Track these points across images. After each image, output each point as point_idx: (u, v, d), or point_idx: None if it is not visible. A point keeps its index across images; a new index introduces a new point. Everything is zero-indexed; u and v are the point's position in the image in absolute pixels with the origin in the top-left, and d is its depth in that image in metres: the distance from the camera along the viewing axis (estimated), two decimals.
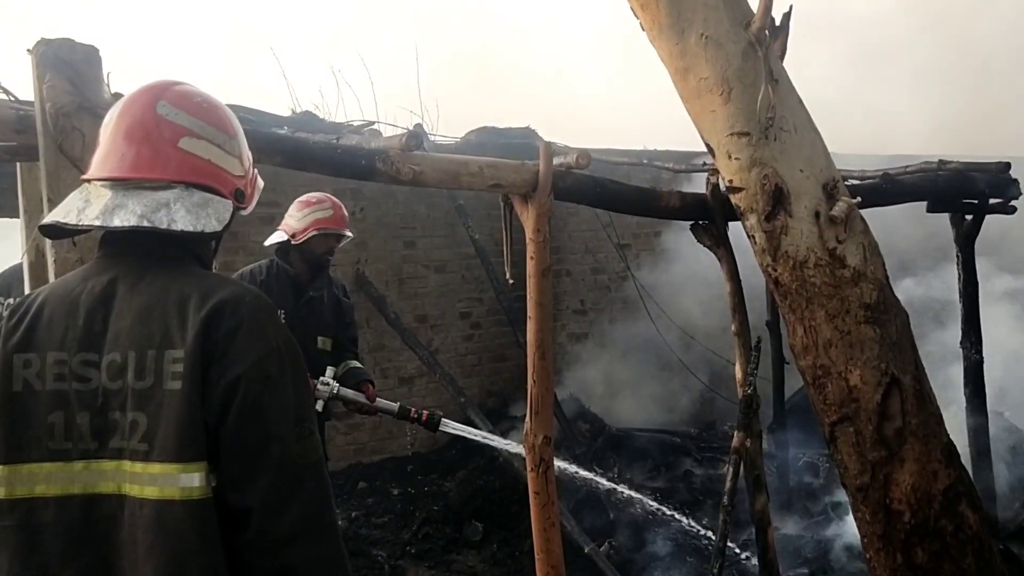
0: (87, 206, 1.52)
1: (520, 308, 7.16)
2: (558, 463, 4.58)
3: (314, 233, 3.89)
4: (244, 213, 1.69)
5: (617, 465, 6.07)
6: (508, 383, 7.23)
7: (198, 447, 1.42)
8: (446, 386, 6.62)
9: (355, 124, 6.52)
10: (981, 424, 4.56)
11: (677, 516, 5.09)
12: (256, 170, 1.75)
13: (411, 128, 6.60)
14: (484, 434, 4.68)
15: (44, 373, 1.48)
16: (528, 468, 2.84)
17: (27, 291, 2.25)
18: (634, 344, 7.70)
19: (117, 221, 1.49)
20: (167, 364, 1.44)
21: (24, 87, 2.47)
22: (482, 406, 6.79)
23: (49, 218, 1.55)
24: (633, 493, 5.31)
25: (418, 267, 7.12)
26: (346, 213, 4.07)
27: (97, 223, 1.50)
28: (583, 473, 5.23)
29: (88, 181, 1.57)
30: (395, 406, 4.00)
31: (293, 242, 3.91)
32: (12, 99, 2.45)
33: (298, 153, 2.48)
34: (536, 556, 2.86)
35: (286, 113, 6.59)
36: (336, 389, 3.77)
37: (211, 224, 1.55)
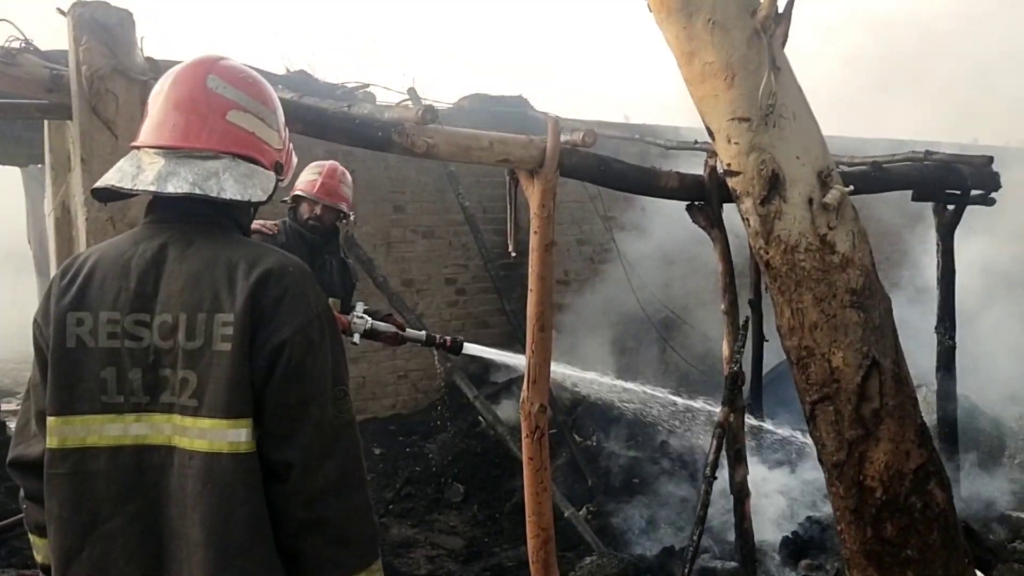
0: (139, 172, 1.59)
1: (506, 276, 7.29)
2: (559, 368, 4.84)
3: (296, 194, 4.01)
4: (283, 184, 1.76)
5: (596, 433, 6.22)
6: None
7: (245, 404, 1.51)
8: (432, 350, 6.69)
9: (350, 86, 6.52)
10: (951, 406, 4.75)
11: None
12: (291, 144, 1.83)
13: (406, 92, 6.66)
14: (505, 354, 4.86)
15: (97, 331, 1.56)
16: (524, 434, 2.95)
17: (51, 246, 2.31)
18: (615, 316, 7.83)
19: (171, 188, 1.57)
20: (217, 327, 1.52)
21: (43, 39, 2.50)
22: (465, 370, 6.89)
23: (102, 182, 1.62)
24: (646, 388, 5.49)
25: (406, 231, 7.18)
26: (339, 185, 4.09)
27: (152, 188, 1.57)
28: (583, 374, 5.39)
29: (138, 148, 1.63)
30: (422, 334, 4.17)
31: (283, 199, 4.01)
32: (29, 46, 2.45)
33: (318, 122, 2.54)
34: (527, 519, 2.99)
35: (279, 71, 6.58)
36: (370, 323, 3.89)
37: (257, 194, 1.63)
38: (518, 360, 4.87)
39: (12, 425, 6.10)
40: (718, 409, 5.38)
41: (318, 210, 4.02)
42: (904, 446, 3.30)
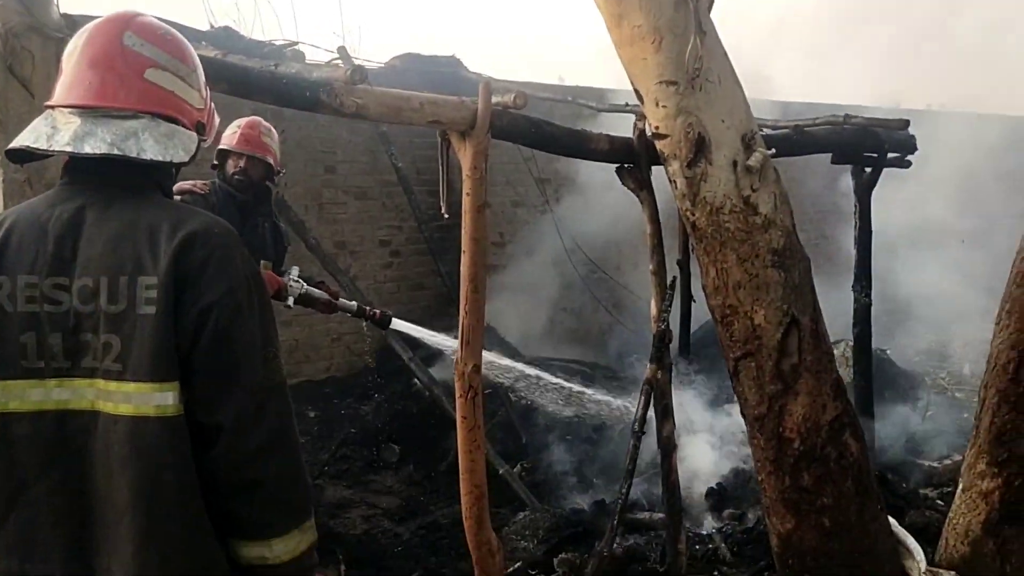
0: (55, 132, 1.56)
1: (441, 238, 7.29)
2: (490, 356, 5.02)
3: (221, 148, 4.00)
4: (205, 145, 1.74)
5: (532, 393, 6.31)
6: (425, 311, 7.35)
7: (171, 368, 1.51)
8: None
9: (277, 43, 6.37)
10: (867, 361, 4.96)
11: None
12: (213, 104, 1.81)
13: (336, 51, 6.54)
14: (431, 333, 4.93)
15: (15, 296, 1.53)
16: (457, 394, 3.00)
17: None
18: (548, 278, 7.92)
19: (88, 148, 1.54)
20: (140, 290, 1.51)
21: None
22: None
23: (17, 142, 1.58)
24: (563, 382, 5.67)
25: (338, 192, 7.09)
26: (260, 136, 4.06)
27: (68, 149, 1.54)
28: (506, 362, 5.54)
29: (52, 107, 1.60)
30: (354, 305, 4.20)
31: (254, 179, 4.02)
32: None
33: (244, 81, 2.50)
34: (461, 476, 3.05)
35: (204, 27, 6.39)
36: (304, 288, 3.89)
37: (178, 154, 1.61)
38: (443, 341, 5.00)
39: None
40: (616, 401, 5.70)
41: (243, 163, 3.99)
42: (821, 399, 3.46)
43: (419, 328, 5.02)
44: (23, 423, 1.54)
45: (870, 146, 4.57)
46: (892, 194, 5.70)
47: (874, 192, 4.74)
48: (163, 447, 1.51)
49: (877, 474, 4.05)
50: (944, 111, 11.72)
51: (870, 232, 4.86)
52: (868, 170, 4.69)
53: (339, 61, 5.47)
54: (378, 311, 4.30)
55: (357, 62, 6.70)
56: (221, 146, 4.02)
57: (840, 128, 4.38)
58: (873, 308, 4.90)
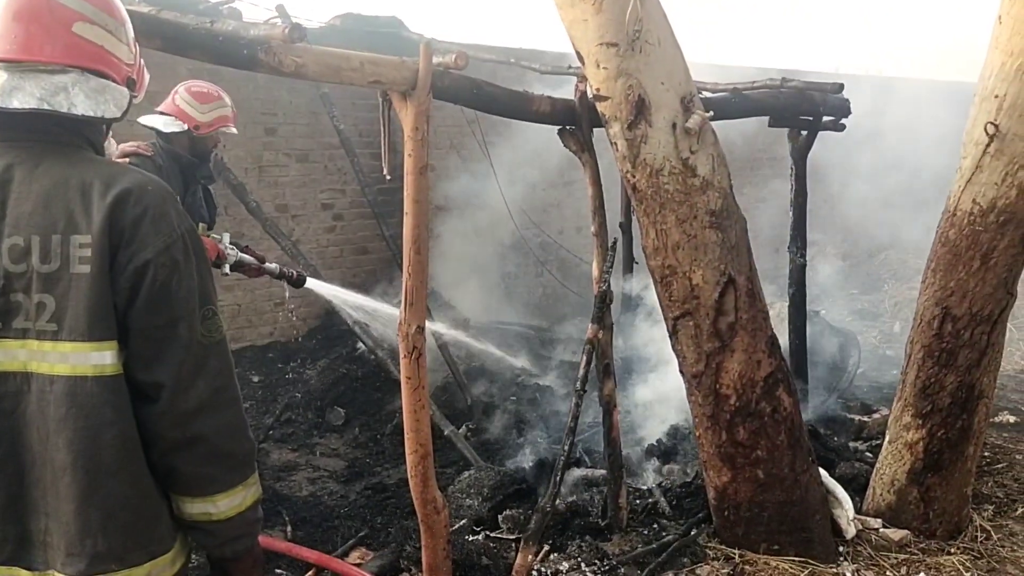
0: None
1: (384, 201, 7.24)
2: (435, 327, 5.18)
3: (221, 129, 4.00)
4: (136, 101, 1.71)
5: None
6: (370, 275, 7.33)
7: (108, 327, 1.50)
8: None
9: (213, 0, 6.21)
10: (801, 320, 5.12)
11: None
12: (143, 60, 1.78)
13: (275, 10, 6.40)
14: (347, 292, 5.08)
15: None
16: (401, 355, 3.01)
17: None
18: (492, 241, 7.93)
19: (16, 103, 1.51)
20: (73, 249, 1.49)
21: None
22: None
23: None
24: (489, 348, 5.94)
25: (279, 155, 6.98)
26: (173, 101, 4.13)
27: None
28: (452, 333, 5.67)
29: None
30: (275, 267, 4.27)
31: (195, 134, 3.93)
32: None
33: (178, 38, 2.44)
34: (406, 436, 3.07)
35: None
36: (238, 254, 3.92)
37: (110, 110, 1.59)
38: (359, 300, 5.17)
39: None
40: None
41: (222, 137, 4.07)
42: (756, 356, 3.57)
43: (334, 287, 5.31)
44: None
45: (806, 110, 4.67)
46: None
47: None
48: (102, 406, 1.51)
49: (809, 428, 4.20)
50: (879, 76, 11.97)
51: (805, 194, 4.98)
52: (804, 133, 4.80)
53: (278, 20, 5.34)
54: (294, 272, 4.39)
55: (297, 21, 6.60)
56: (225, 126, 4.12)
57: (777, 91, 4.46)
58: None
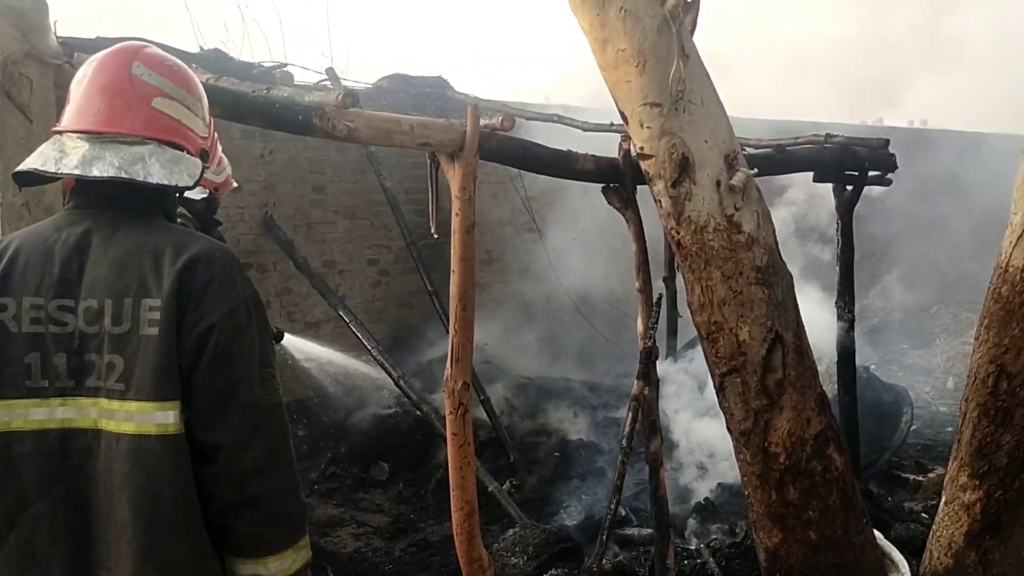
0: (63, 156, 1.61)
1: (429, 257, 7.33)
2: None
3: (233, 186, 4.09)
4: (212, 174, 1.80)
5: (520, 410, 6.35)
6: (413, 330, 7.39)
7: (173, 387, 1.55)
8: (355, 331, 6.70)
9: (266, 65, 6.43)
10: (850, 376, 5.03)
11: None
12: (216, 133, 1.86)
13: (324, 72, 6.61)
14: (323, 350, 5.14)
15: (20, 317, 1.57)
16: (447, 411, 3.03)
17: None
18: (536, 296, 7.97)
19: (96, 171, 1.59)
20: (144, 311, 1.55)
21: None
22: (389, 351, 6.93)
23: (24, 165, 1.62)
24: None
25: (327, 212, 7.14)
26: None
27: (76, 172, 1.59)
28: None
29: (60, 133, 1.64)
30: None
31: (217, 195, 4.05)
32: None
33: (238, 106, 2.55)
34: (452, 492, 3.08)
35: (194, 49, 6.44)
36: None
37: (183, 179, 1.66)
38: (334, 357, 5.24)
39: None
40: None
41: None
42: (805, 414, 3.51)
43: (309, 343, 5.51)
44: (26, 442, 1.57)
45: (851, 165, 4.66)
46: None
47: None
48: (164, 464, 1.55)
49: (862, 488, 4.11)
50: (925, 128, 11.90)
51: (852, 249, 4.94)
52: (849, 188, 4.78)
53: (328, 83, 5.51)
54: (275, 327, 4.41)
55: (346, 83, 6.82)
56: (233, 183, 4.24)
57: (821, 147, 4.47)
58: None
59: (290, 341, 4.76)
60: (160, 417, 1.55)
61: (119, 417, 1.56)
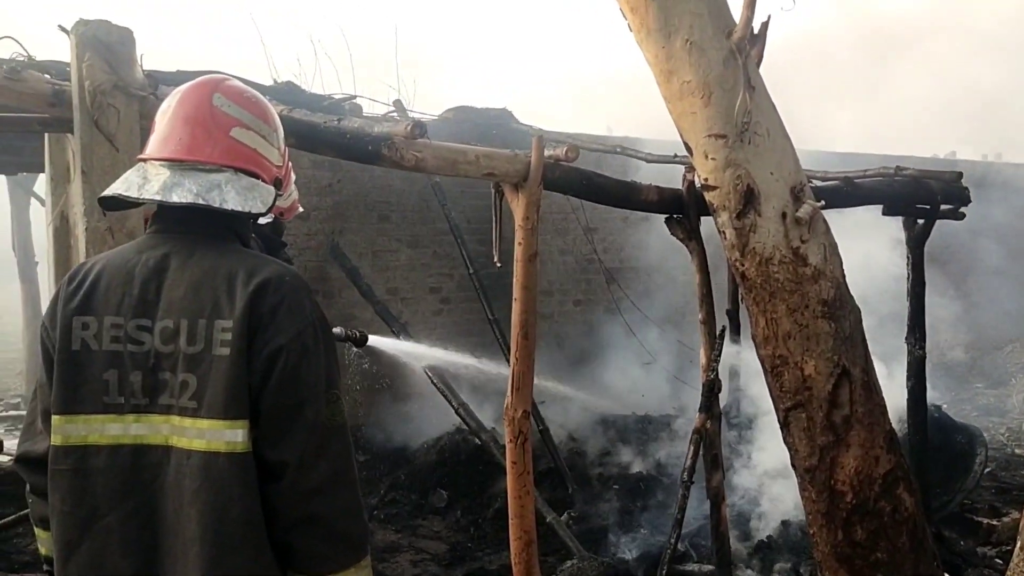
0: (146, 182, 1.69)
1: (490, 286, 7.39)
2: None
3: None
4: (281, 200, 1.86)
5: (578, 440, 6.32)
6: (474, 357, 7.42)
7: (242, 406, 1.60)
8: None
9: (336, 97, 6.61)
10: (921, 415, 4.88)
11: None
12: (291, 162, 1.93)
13: (392, 104, 6.77)
14: (412, 345, 5.12)
15: (101, 335, 1.64)
16: (507, 439, 3.04)
17: (50, 255, 2.39)
18: (596, 327, 7.94)
19: (175, 197, 1.66)
20: (216, 332, 1.61)
21: (38, 48, 2.59)
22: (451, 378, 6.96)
23: (110, 191, 1.71)
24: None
25: (391, 240, 7.27)
26: None
27: (157, 198, 1.66)
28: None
29: (144, 160, 1.72)
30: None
31: (284, 219, 4.15)
32: (27, 57, 2.54)
33: (311, 136, 2.63)
34: (511, 522, 3.07)
35: (268, 82, 6.66)
36: None
37: (257, 206, 1.72)
38: (420, 351, 5.24)
39: (0, 431, 6.13)
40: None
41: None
42: (873, 452, 3.42)
43: (396, 342, 5.49)
44: (101, 455, 1.63)
45: (922, 198, 4.56)
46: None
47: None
48: (232, 481, 1.59)
49: (933, 530, 3.97)
50: (999, 163, 11.57)
51: (923, 284, 4.82)
52: (921, 222, 4.67)
53: (395, 114, 5.64)
54: (357, 332, 4.41)
55: (413, 115, 6.96)
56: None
57: (891, 180, 4.38)
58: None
59: (377, 340, 4.81)
60: (229, 435, 1.59)
61: (190, 434, 1.61)
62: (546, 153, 3.05)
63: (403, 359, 6.24)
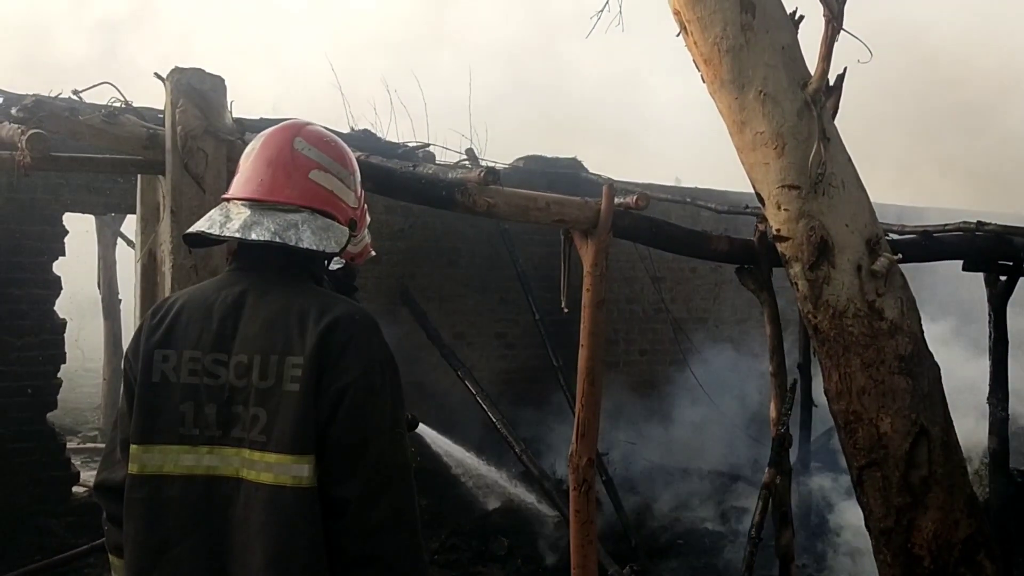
0: (228, 220, 1.75)
1: (555, 332, 7.39)
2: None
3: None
4: (352, 245, 1.91)
5: (640, 492, 6.21)
6: (539, 403, 7.40)
7: (309, 442, 1.62)
8: (480, 402, 6.76)
9: (411, 145, 6.78)
10: (1003, 478, 4.67)
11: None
12: (367, 204, 1.98)
13: (464, 152, 6.90)
14: (452, 446, 5.16)
15: (180, 368, 1.70)
16: (571, 487, 3.01)
17: (137, 291, 2.49)
18: (662, 377, 7.85)
19: (254, 235, 1.72)
20: (287, 368, 1.64)
21: (137, 97, 2.74)
22: (513, 424, 6.95)
23: (194, 228, 1.78)
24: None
25: (459, 286, 7.34)
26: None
27: (237, 235, 1.73)
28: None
29: (228, 200, 1.80)
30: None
31: (356, 263, 4.26)
32: (124, 103, 2.68)
33: (387, 181, 2.70)
34: (572, 571, 3.03)
35: (344, 130, 6.87)
36: None
37: (331, 246, 1.77)
38: (465, 457, 5.26)
39: (77, 463, 6.34)
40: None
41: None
42: (953, 515, 3.29)
43: (443, 438, 5.58)
44: (175, 486, 1.67)
45: (1005, 254, 4.42)
46: None
47: None
48: (297, 516, 1.61)
49: None
50: None
51: (1007, 342, 4.64)
52: (1003, 278, 4.52)
53: (467, 162, 5.74)
54: (410, 414, 4.46)
55: (484, 163, 7.07)
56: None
57: (972, 235, 4.27)
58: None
59: (425, 431, 4.86)
60: (296, 469, 1.61)
61: (259, 467, 1.63)
62: (616, 201, 3.06)
63: (439, 453, 6.27)
